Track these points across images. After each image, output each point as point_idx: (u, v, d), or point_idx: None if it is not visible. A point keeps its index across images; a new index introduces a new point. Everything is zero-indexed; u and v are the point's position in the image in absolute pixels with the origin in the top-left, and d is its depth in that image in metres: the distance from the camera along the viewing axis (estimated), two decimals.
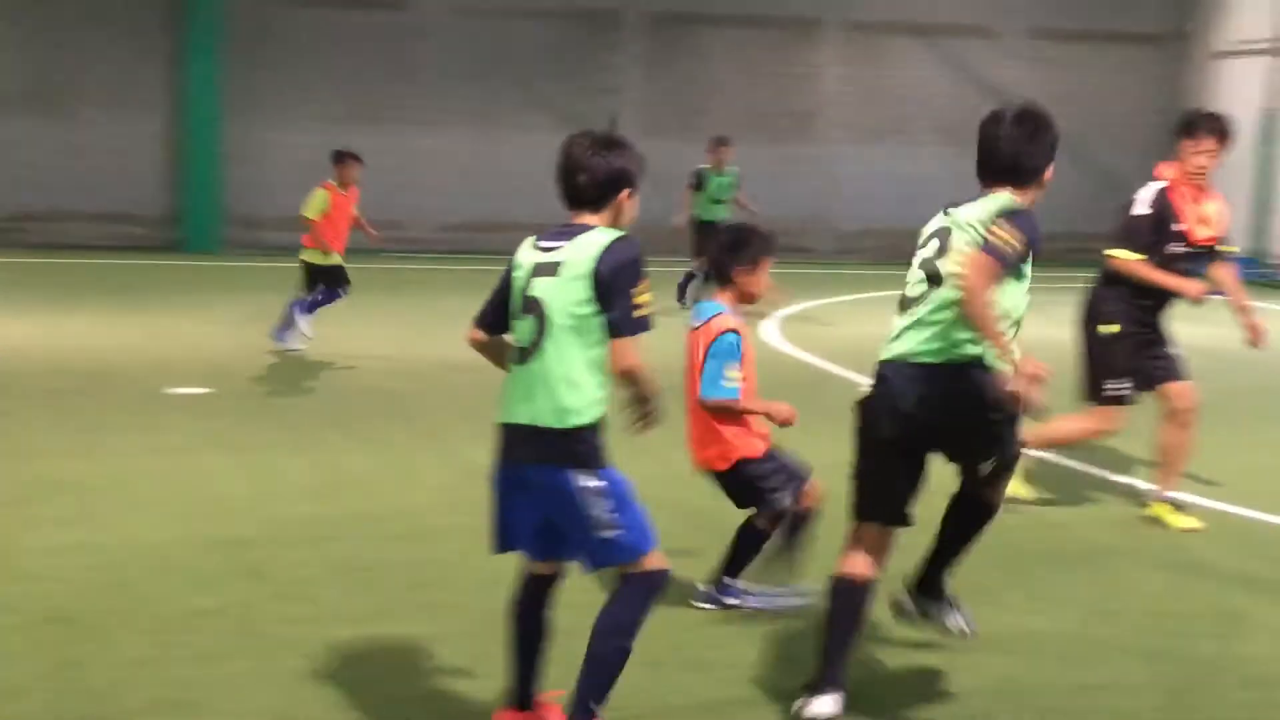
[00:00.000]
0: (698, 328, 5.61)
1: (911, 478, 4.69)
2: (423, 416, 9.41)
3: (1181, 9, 23.63)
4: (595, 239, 4.11)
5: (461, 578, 5.94)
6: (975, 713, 4.75)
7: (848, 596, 4.65)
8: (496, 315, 4.29)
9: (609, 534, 4.10)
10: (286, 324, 11.74)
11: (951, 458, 4.74)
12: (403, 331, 13.26)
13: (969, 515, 4.90)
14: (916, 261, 4.76)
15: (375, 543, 6.50)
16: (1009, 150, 4.84)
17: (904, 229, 23.13)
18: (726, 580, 5.70)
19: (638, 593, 4.20)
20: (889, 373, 4.68)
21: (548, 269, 4.13)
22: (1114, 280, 7.23)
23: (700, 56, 22.30)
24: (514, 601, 4.41)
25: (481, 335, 4.33)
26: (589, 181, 4.18)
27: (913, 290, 4.73)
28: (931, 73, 23.04)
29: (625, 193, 4.23)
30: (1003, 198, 4.73)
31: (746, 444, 5.58)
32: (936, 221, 4.81)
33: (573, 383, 4.08)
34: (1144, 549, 6.80)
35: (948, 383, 4.57)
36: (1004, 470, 4.75)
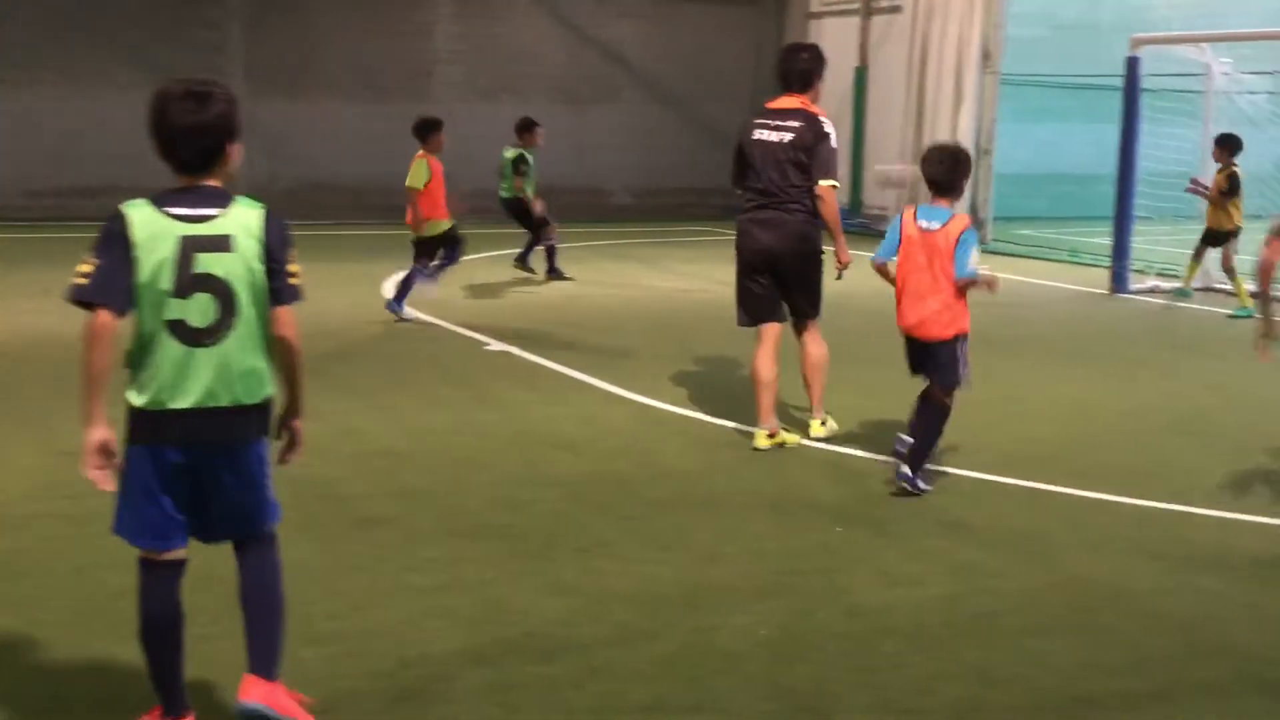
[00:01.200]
0: (936, 229, 6.84)
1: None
2: (11, 395, 8.80)
3: None
4: (249, 210, 3.99)
5: (54, 568, 5.58)
6: (597, 665, 4.81)
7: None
8: (126, 294, 3.87)
9: (268, 495, 4.13)
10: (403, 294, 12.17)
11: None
12: None
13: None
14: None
15: None
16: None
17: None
18: (923, 468, 6.93)
19: (274, 550, 4.24)
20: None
21: (214, 243, 3.91)
22: (816, 212, 7.86)
23: (304, 11, 21.62)
24: (155, 599, 4.08)
25: (114, 321, 3.85)
26: (214, 144, 3.96)
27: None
28: (545, 32, 23.19)
29: (235, 147, 4.05)
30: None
31: (966, 321, 6.99)
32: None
33: (260, 354, 4.02)
34: (752, 491, 7.07)
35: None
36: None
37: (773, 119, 7.94)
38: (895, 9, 22.03)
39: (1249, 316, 13.56)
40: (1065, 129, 24.41)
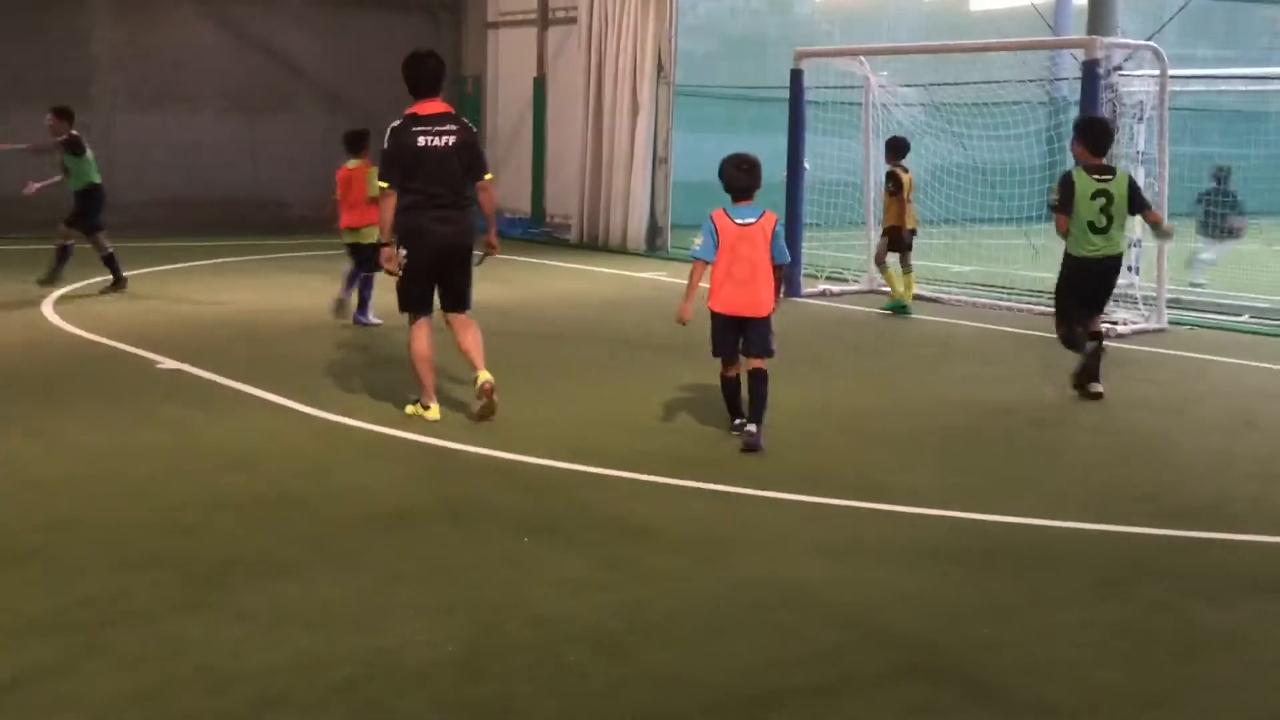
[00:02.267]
0: (752, 223, 8.25)
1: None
2: None
3: None
4: None
5: None
6: (273, 693, 4.62)
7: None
8: None
9: None
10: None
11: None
12: None
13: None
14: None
15: None
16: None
17: (191, 199, 22.62)
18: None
19: None
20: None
21: None
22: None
23: None
24: None
25: None
26: None
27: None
28: (211, 39, 22.41)
29: None
30: None
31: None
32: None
33: None
34: (434, 504, 6.98)
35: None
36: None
37: (432, 125, 8.58)
38: (571, 20, 22.23)
39: (902, 309, 14.27)
40: (736, 140, 25.11)
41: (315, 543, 6.31)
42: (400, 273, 8.60)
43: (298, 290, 15.24)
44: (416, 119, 8.58)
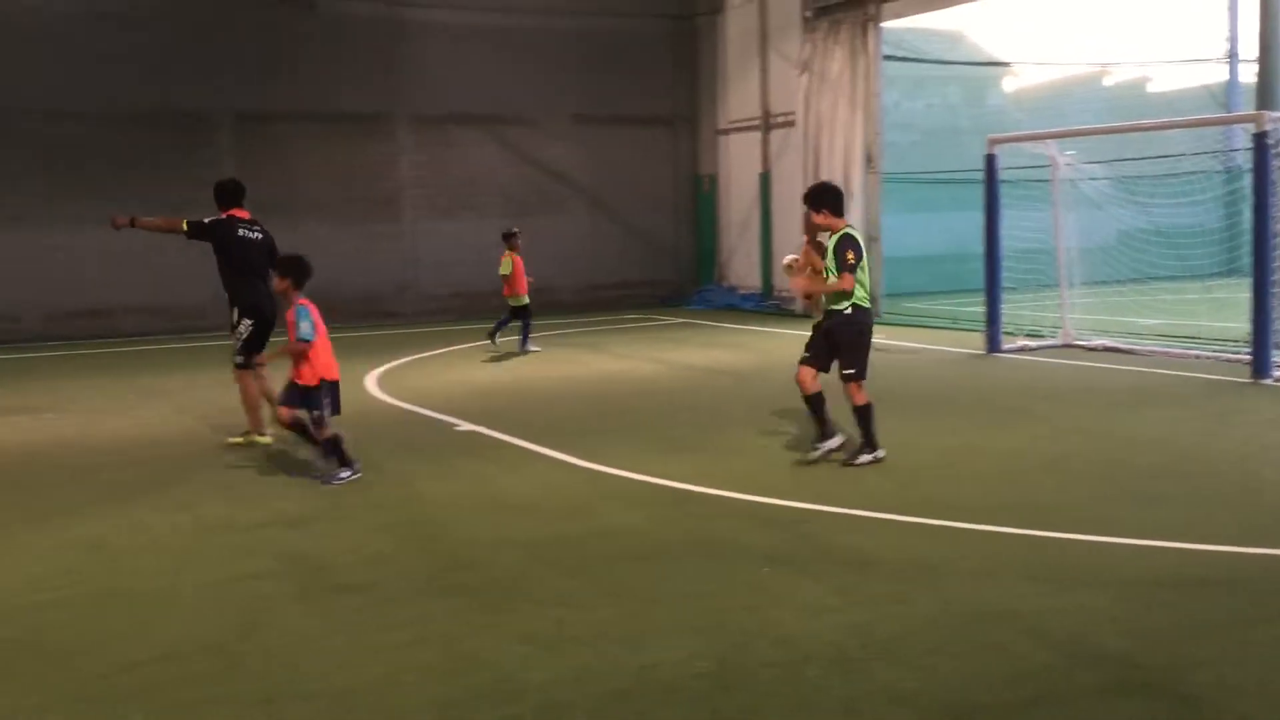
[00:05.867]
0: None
1: None
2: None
3: (687, 97, 24.87)
4: None
5: None
6: (558, 701, 4.65)
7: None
8: None
9: None
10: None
11: None
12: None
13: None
14: None
15: None
16: None
17: (479, 289, 23.40)
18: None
19: None
20: None
21: None
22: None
23: (285, 149, 21.54)
24: None
25: None
26: None
27: None
28: (494, 156, 23.24)
29: None
30: None
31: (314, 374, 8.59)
32: None
33: None
34: (687, 541, 6.94)
35: None
36: None
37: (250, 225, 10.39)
38: (790, 123, 22.24)
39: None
40: (938, 217, 24.71)
41: (586, 573, 6.36)
42: None
43: (566, 362, 15.56)
44: (241, 221, 10.43)
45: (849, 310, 8.59)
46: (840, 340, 8.66)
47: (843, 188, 20.24)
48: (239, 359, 10.17)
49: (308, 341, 8.46)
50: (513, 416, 11.26)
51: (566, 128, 23.72)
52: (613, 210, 24.19)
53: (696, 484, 8.26)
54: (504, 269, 16.10)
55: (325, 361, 8.59)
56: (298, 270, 8.66)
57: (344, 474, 8.58)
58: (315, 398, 8.56)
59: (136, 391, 13.60)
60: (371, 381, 13.92)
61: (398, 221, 22.44)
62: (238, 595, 6.02)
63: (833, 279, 8.59)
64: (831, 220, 8.72)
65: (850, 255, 8.52)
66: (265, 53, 21.22)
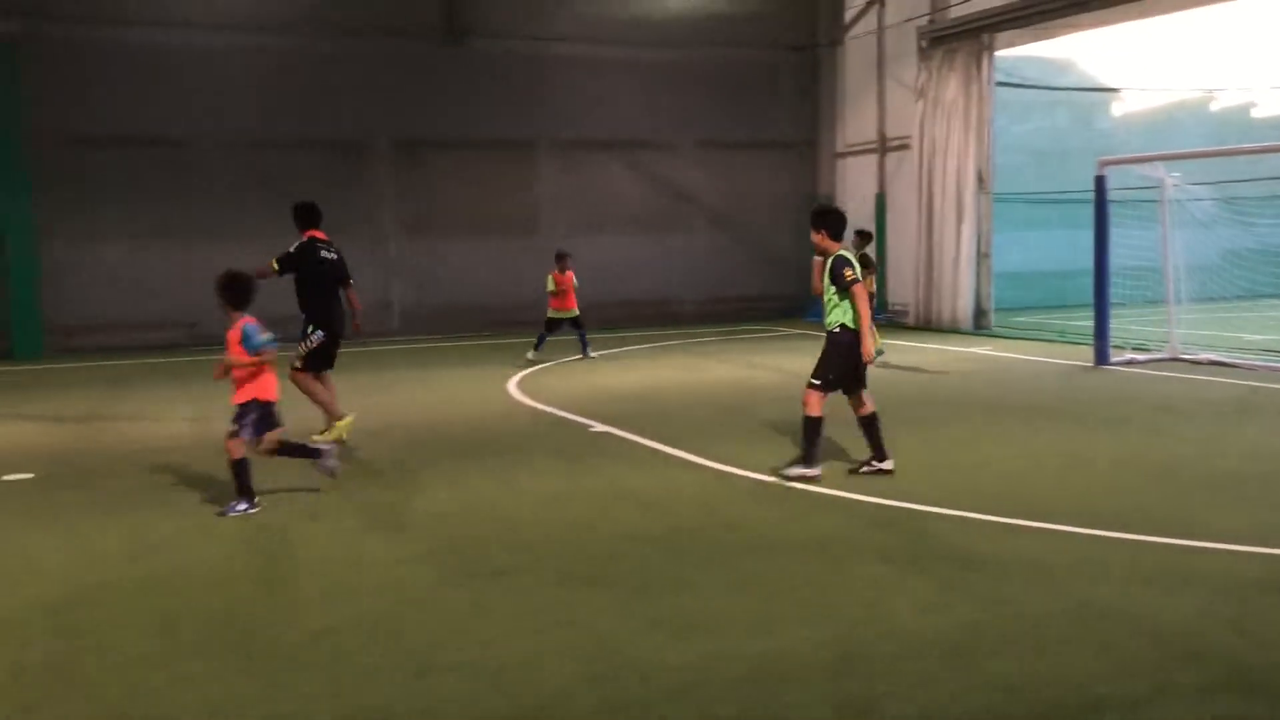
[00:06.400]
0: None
1: None
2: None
3: (808, 123, 24.73)
4: None
5: None
6: (687, 682, 4.69)
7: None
8: None
9: None
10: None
11: None
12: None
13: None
14: None
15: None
16: None
17: (611, 300, 23.56)
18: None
19: None
20: None
21: None
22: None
23: (439, 174, 22.05)
24: None
25: None
26: None
27: None
28: (626, 178, 23.44)
29: None
30: None
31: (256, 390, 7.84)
32: None
33: None
34: (807, 537, 6.91)
35: None
36: None
37: (328, 246, 10.34)
38: (905, 146, 21.99)
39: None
40: (1047, 235, 24.13)
41: (711, 565, 6.38)
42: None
43: (690, 369, 15.61)
44: (321, 243, 10.36)
45: (837, 330, 8.33)
46: (824, 351, 8.41)
47: (956, 207, 20.14)
48: (298, 363, 10.07)
49: (273, 347, 7.78)
50: (642, 419, 11.34)
51: (693, 152, 23.81)
52: (735, 229, 24.19)
53: (810, 485, 8.23)
54: (550, 286, 16.34)
55: (265, 381, 7.83)
56: (239, 290, 7.82)
57: (240, 506, 7.69)
58: (243, 414, 7.77)
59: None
60: (513, 385, 14.16)
61: (536, 237, 22.79)
62: (396, 577, 6.21)
63: (849, 302, 8.29)
64: (828, 243, 8.36)
65: (848, 272, 8.21)
66: (421, 86, 21.75)
